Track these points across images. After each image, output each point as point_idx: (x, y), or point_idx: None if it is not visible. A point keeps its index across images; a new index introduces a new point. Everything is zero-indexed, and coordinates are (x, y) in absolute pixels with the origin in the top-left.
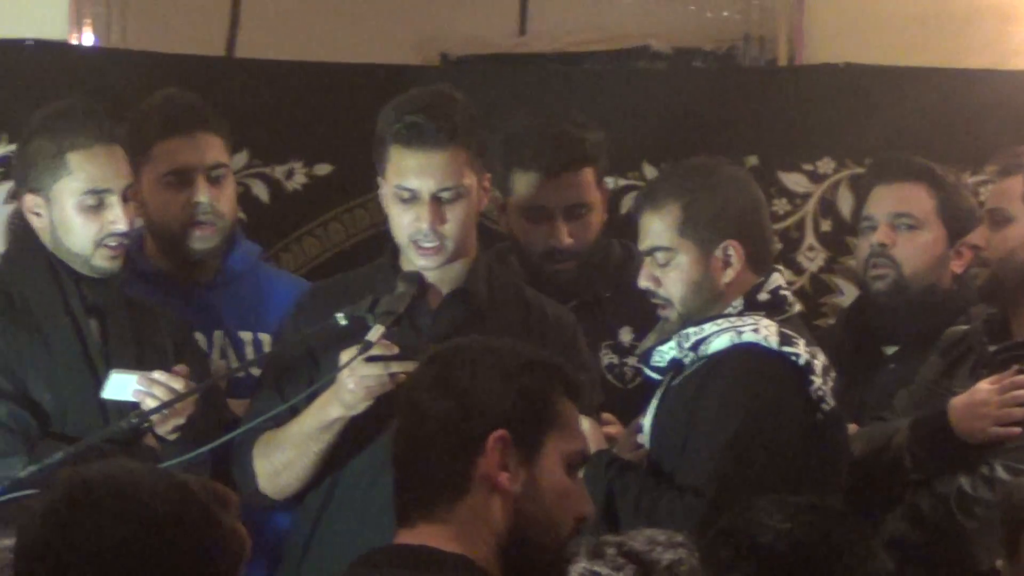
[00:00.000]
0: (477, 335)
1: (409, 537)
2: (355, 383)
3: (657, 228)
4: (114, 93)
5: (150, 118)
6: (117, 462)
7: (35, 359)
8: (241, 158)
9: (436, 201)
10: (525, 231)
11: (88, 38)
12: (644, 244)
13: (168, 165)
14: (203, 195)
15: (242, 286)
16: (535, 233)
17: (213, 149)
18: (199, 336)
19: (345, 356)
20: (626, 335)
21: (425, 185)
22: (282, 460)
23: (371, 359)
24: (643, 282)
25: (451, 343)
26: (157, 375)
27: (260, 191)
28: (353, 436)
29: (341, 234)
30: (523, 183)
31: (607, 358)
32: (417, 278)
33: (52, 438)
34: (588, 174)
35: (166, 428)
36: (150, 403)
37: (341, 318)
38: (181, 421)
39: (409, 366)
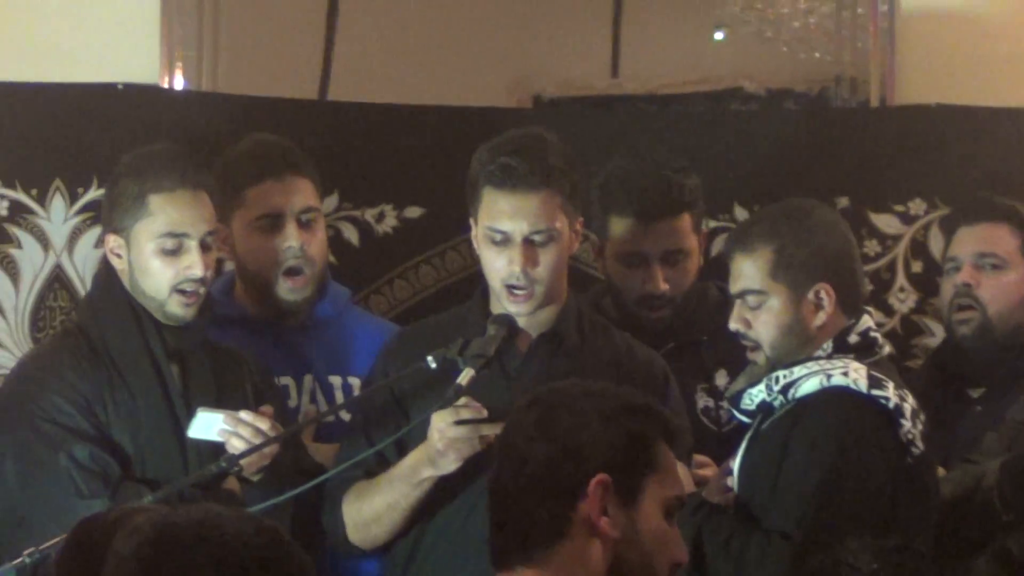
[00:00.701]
0: (574, 379)
1: None
2: (444, 445)
3: (748, 271)
4: (205, 136)
5: (241, 162)
6: (204, 506)
7: (116, 402)
8: (332, 201)
9: (528, 244)
10: (622, 276)
11: (179, 82)
12: (735, 287)
13: (259, 209)
14: (294, 239)
15: (331, 330)
16: (631, 278)
17: (304, 193)
18: (288, 380)
19: (437, 418)
20: (721, 378)
21: (518, 228)
22: (371, 513)
23: (461, 422)
24: (733, 324)
25: (550, 387)
26: (244, 415)
27: (351, 234)
28: (442, 487)
29: (431, 277)
30: (620, 228)
31: (702, 401)
32: (508, 320)
33: (134, 481)
34: (685, 220)
35: (251, 470)
36: (235, 442)
37: (431, 361)
38: (266, 463)
39: (498, 428)
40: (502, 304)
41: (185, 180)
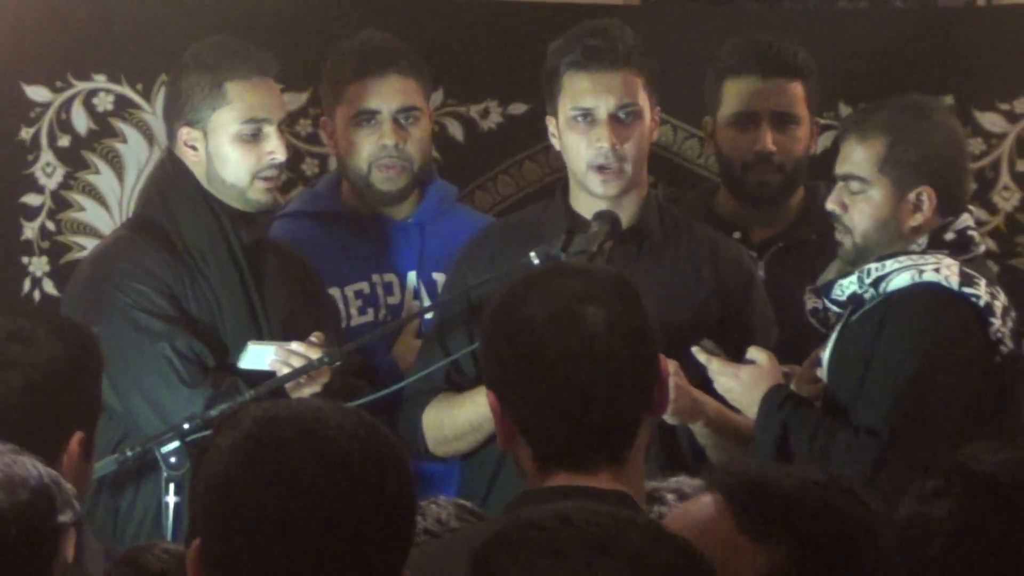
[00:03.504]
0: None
1: (596, 482)
2: None
3: (858, 157)
4: (314, 32)
5: (345, 59)
6: (304, 400)
7: (196, 295)
8: (437, 97)
9: (614, 120)
10: (732, 141)
11: None
12: (841, 168)
13: (357, 106)
14: (389, 138)
15: (437, 227)
16: (742, 141)
17: (405, 92)
18: (392, 277)
19: None
20: None
21: (603, 103)
22: (453, 431)
23: None
24: (830, 205)
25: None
26: (295, 346)
27: (455, 130)
28: None
29: (536, 173)
30: (734, 90)
31: (811, 302)
32: (611, 216)
33: (229, 373)
34: (798, 87)
35: (302, 395)
36: (287, 372)
37: (534, 257)
38: (317, 389)
39: None
40: (588, 190)
41: (260, 67)
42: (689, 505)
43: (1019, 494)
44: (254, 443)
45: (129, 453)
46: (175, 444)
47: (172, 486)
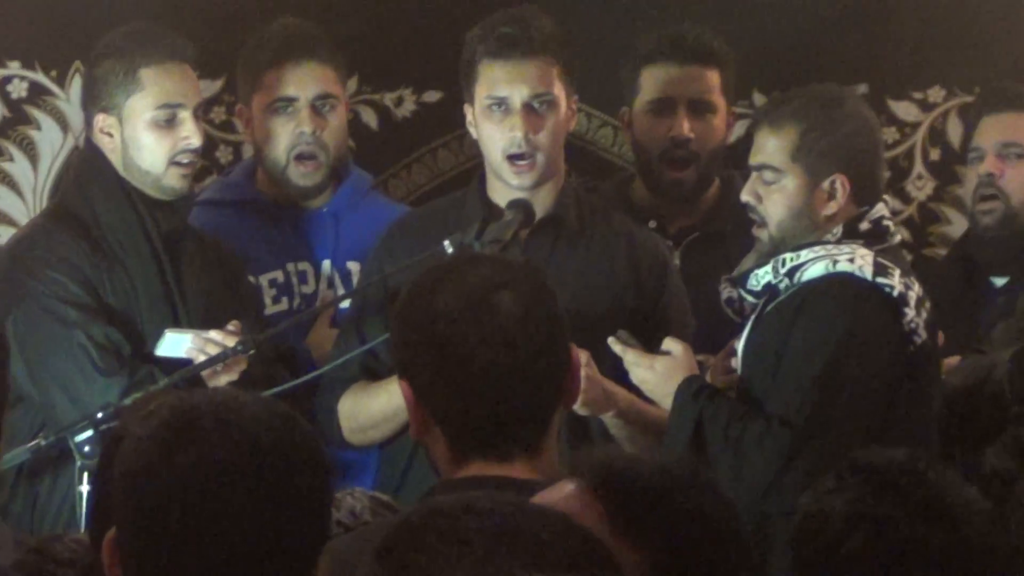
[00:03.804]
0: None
1: (511, 471)
2: None
3: (771, 147)
4: (227, 19)
5: (262, 46)
6: (222, 389)
7: (113, 284)
8: (351, 85)
9: (528, 110)
10: (648, 128)
11: None
12: (755, 159)
13: (274, 93)
14: (306, 125)
15: (351, 216)
16: (658, 127)
17: (323, 79)
18: (306, 266)
19: None
20: None
21: (517, 92)
22: (369, 420)
23: None
24: (745, 196)
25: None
26: (212, 334)
27: (369, 118)
28: None
29: (450, 161)
30: (650, 77)
31: (726, 292)
32: (525, 205)
33: (145, 361)
34: (714, 76)
35: (219, 383)
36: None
37: (448, 246)
38: (234, 377)
39: None
40: (503, 180)
41: (174, 52)
42: (552, 492)
43: (909, 484)
44: (170, 432)
45: (43, 442)
46: (89, 433)
47: (86, 475)
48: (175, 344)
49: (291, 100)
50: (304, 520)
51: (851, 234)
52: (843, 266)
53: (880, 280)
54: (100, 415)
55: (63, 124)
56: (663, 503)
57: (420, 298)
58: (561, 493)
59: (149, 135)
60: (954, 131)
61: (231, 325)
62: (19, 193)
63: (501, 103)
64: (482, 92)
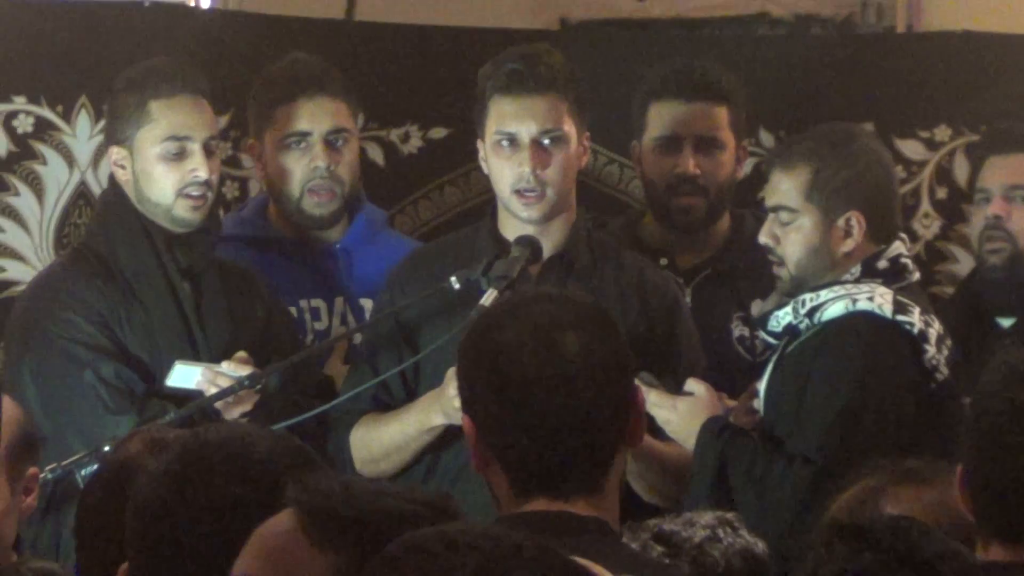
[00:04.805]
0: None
1: (571, 508)
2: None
3: (785, 187)
4: (230, 56)
5: (274, 81)
6: (233, 424)
7: (131, 321)
8: (357, 121)
9: (537, 146)
10: (656, 164)
11: (205, 1)
12: (770, 201)
13: (287, 128)
14: (321, 160)
15: (364, 252)
16: (665, 164)
17: (334, 114)
18: (319, 303)
19: (451, 373)
20: (757, 307)
21: (526, 128)
22: (380, 451)
23: None
24: (763, 238)
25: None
26: (224, 367)
27: (375, 154)
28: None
29: (456, 197)
30: (658, 114)
31: (738, 330)
32: (532, 242)
33: (158, 398)
34: (723, 113)
35: (232, 415)
36: (214, 392)
37: (455, 282)
38: (247, 408)
39: None
40: (512, 213)
41: (185, 86)
42: (270, 522)
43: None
44: (181, 465)
45: (49, 475)
46: (95, 467)
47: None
48: (185, 376)
49: (305, 135)
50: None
51: (869, 272)
52: (863, 305)
53: (900, 318)
54: (106, 449)
55: (69, 159)
56: (363, 508)
57: (484, 334)
58: (277, 518)
59: (158, 167)
60: (960, 170)
61: (240, 354)
62: (25, 228)
63: (510, 138)
64: (491, 127)
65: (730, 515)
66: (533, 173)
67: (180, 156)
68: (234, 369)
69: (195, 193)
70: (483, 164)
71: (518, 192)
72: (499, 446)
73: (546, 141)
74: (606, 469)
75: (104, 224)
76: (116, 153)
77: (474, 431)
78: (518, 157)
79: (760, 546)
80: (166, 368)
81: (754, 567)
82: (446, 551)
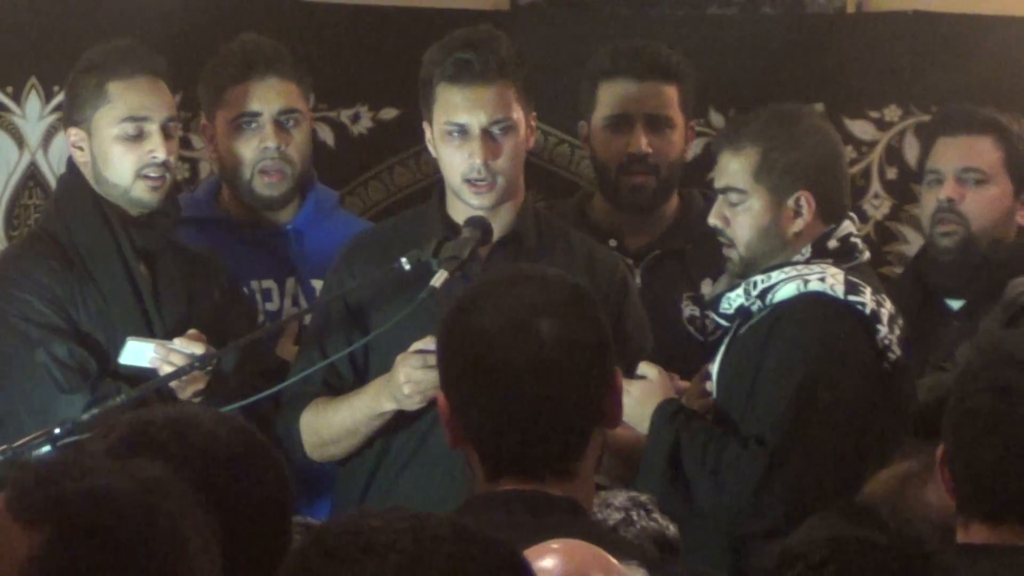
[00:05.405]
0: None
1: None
2: (411, 389)
3: (733, 169)
4: (180, 35)
5: (225, 62)
6: (179, 405)
7: (87, 303)
8: (309, 102)
9: (487, 136)
10: (606, 143)
11: None
12: (719, 182)
13: (238, 109)
14: (271, 140)
15: (316, 233)
16: (616, 143)
17: (285, 95)
18: (271, 284)
19: (402, 361)
20: (707, 287)
21: (476, 119)
22: (329, 435)
23: (429, 366)
24: (712, 219)
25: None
26: (176, 343)
27: (326, 135)
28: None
29: (407, 178)
30: (608, 92)
31: (688, 310)
32: (483, 223)
33: (113, 378)
34: (672, 91)
35: (185, 394)
36: (167, 370)
37: (405, 263)
38: (200, 387)
39: None
40: (463, 200)
41: (143, 67)
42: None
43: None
44: (126, 447)
45: (1, 458)
46: (47, 448)
47: None
48: (137, 353)
49: (255, 115)
50: (263, 532)
51: (820, 253)
52: (814, 285)
53: (852, 298)
54: (57, 431)
55: (19, 140)
56: (64, 483)
57: (462, 315)
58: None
59: (116, 148)
60: (911, 150)
61: (192, 331)
62: None
63: (460, 129)
64: (440, 117)
65: (643, 497)
66: (484, 164)
67: (138, 137)
68: (186, 346)
69: (153, 174)
70: (430, 146)
71: (469, 181)
72: (473, 428)
73: (496, 131)
74: (580, 452)
75: (61, 206)
76: (74, 135)
77: (448, 410)
78: (468, 147)
79: (672, 529)
80: (122, 348)
81: (666, 551)
82: (363, 555)
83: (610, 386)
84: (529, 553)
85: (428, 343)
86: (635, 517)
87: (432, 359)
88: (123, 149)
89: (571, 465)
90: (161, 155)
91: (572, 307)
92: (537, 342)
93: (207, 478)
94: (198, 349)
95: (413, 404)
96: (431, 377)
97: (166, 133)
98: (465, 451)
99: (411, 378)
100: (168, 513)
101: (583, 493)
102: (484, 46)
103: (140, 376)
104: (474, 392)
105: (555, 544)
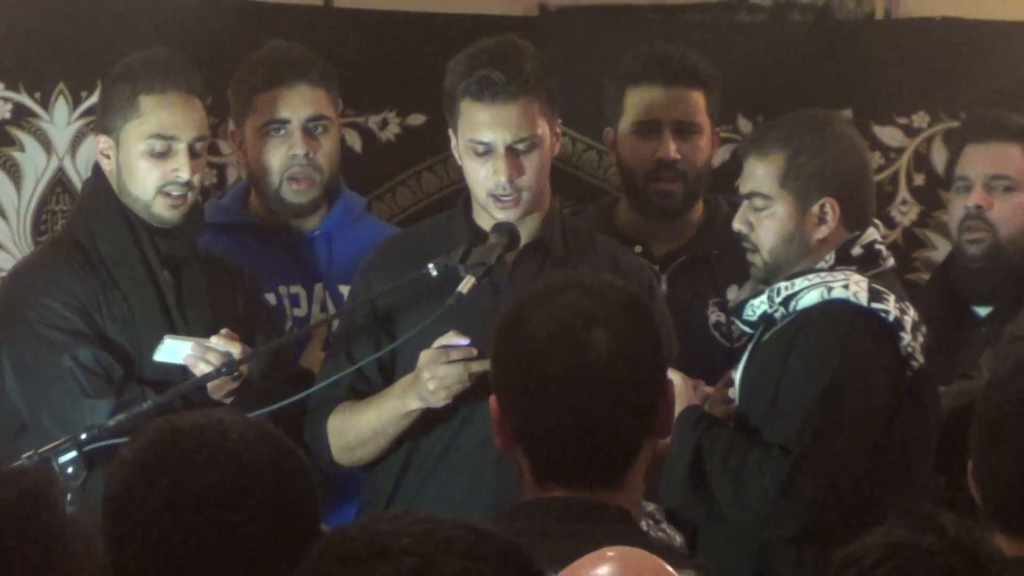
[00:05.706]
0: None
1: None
2: (435, 384)
3: (759, 174)
4: (207, 42)
5: (254, 68)
6: (207, 411)
7: (111, 309)
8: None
9: (512, 153)
10: (634, 150)
11: None
12: (744, 188)
13: (267, 116)
14: (299, 147)
15: (344, 239)
16: (644, 149)
17: (314, 102)
18: (298, 289)
19: (426, 357)
20: (733, 293)
21: (500, 138)
22: (357, 439)
23: (451, 361)
24: (737, 224)
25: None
26: (213, 341)
27: (354, 141)
28: (427, 410)
29: (434, 184)
30: (636, 98)
31: (714, 316)
32: (510, 229)
33: (137, 383)
34: (700, 97)
35: (220, 394)
36: (202, 368)
37: (432, 269)
38: (234, 386)
39: (487, 365)
40: (489, 213)
41: (178, 83)
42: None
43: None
44: (154, 453)
45: (27, 463)
46: (73, 454)
47: (68, 496)
48: (174, 350)
49: (284, 123)
50: (289, 543)
51: (844, 260)
52: (838, 293)
53: (875, 305)
54: (83, 436)
55: (47, 146)
56: None
57: (515, 321)
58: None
59: (141, 163)
60: (939, 156)
61: (226, 330)
62: (3, 215)
63: (484, 147)
64: (465, 132)
65: (651, 507)
66: (509, 181)
67: (164, 155)
68: (223, 344)
69: (175, 193)
70: (455, 154)
71: (494, 196)
72: (523, 434)
73: (521, 148)
74: (629, 462)
75: (85, 212)
76: (103, 142)
77: (500, 413)
78: (493, 164)
79: (679, 540)
80: (147, 354)
81: None
82: (376, 559)
83: (662, 397)
84: (584, 561)
85: (451, 338)
86: (644, 528)
87: (456, 354)
88: (148, 165)
89: (621, 474)
90: (185, 175)
91: (626, 317)
92: (588, 355)
93: (237, 485)
94: (234, 348)
95: (439, 400)
96: (455, 372)
97: (193, 152)
98: (515, 455)
99: (435, 374)
100: (46, 522)
101: (631, 502)
102: (508, 62)
103: (165, 381)
104: (525, 400)
105: (611, 552)
